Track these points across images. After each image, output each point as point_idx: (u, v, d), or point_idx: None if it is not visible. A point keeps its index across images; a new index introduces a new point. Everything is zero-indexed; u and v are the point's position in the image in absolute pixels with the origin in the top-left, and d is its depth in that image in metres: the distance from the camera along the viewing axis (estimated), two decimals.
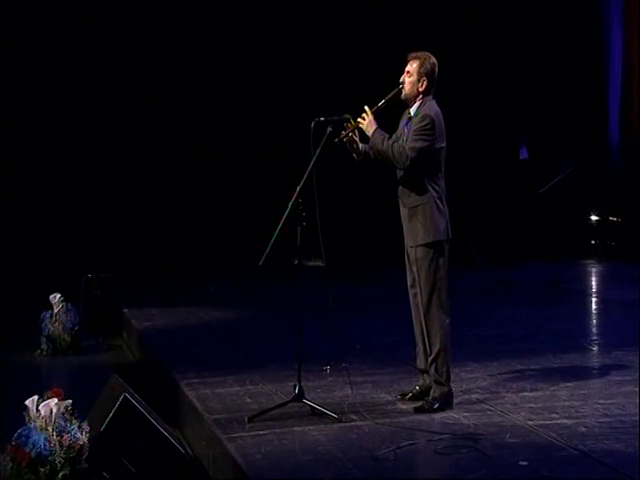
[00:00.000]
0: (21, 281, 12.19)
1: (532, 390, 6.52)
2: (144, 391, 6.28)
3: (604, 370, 7.11)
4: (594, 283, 12.62)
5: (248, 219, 13.99)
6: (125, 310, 10.49)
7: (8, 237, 13.20)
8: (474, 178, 13.85)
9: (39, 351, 9.54)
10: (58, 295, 9.62)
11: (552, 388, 6.57)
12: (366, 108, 5.96)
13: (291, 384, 6.71)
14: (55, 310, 9.55)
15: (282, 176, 8.84)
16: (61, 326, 9.54)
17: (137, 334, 9.45)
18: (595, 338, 8.59)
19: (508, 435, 5.48)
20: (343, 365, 7.17)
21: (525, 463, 5.01)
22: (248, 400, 6.41)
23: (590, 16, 15.39)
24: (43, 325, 9.57)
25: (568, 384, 6.68)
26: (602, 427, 5.64)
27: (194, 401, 6.44)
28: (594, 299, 11.11)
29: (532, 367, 7.24)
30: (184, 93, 14.72)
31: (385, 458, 5.13)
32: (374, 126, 5.90)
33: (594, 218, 14.17)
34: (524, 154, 13.41)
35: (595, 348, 8.04)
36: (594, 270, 13.55)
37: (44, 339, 9.54)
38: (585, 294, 11.28)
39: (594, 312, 10.48)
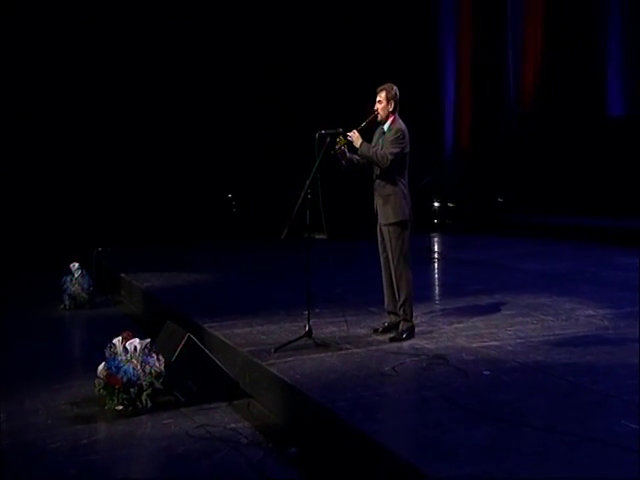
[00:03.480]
0: (45, 253, 11.62)
1: (458, 323, 6.55)
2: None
3: (496, 307, 7.17)
4: (445, 249, 12.76)
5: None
6: (122, 275, 10.06)
7: (35, 220, 12.63)
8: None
9: (62, 306, 9.13)
10: (77, 264, 9.21)
11: (471, 321, 6.62)
12: (351, 133, 5.88)
13: (285, 324, 6.65)
14: (75, 275, 9.12)
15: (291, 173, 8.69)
16: (80, 287, 9.14)
17: (141, 292, 9.06)
18: (473, 286, 8.40)
19: (463, 354, 5.51)
20: (316, 311, 7.11)
21: (488, 372, 5.07)
22: (263, 337, 6.22)
23: (426, 47, 15.62)
24: (65, 286, 9.16)
25: (479, 318, 6.73)
26: (522, 346, 5.72)
27: (223, 338, 6.22)
28: (451, 260, 11.08)
29: (447, 307, 7.28)
30: (208, 96, 14.40)
31: (389, 374, 5.10)
32: (360, 139, 5.84)
33: (436, 204, 14.47)
34: None
35: (480, 292, 7.93)
36: (439, 240, 13.77)
37: (67, 297, 9.13)
38: (444, 257, 11.25)
39: (457, 268, 10.36)
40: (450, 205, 14.34)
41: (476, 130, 15.51)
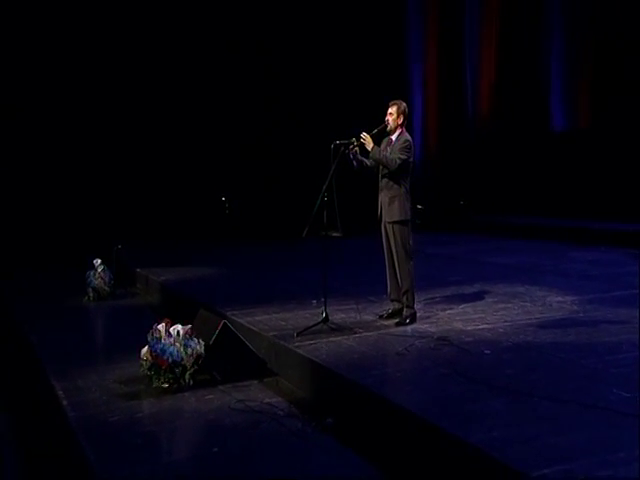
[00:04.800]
0: (69, 251, 11.50)
1: (450, 309, 6.61)
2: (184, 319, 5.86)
3: (479, 295, 7.25)
4: (419, 245, 12.52)
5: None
6: (138, 269, 9.98)
7: (61, 221, 12.47)
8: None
9: (87, 298, 9.05)
10: (99, 260, 9.13)
11: (460, 307, 6.69)
12: (365, 134, 5.95)
13: (299, 312, 6.66)
14: (99, 270, 9.04)
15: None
16: (102, 281, 9.09)
17: (159, 285, 9.01)
18: (453, 277, 8.40)
19: (463, 336, 5.58)
20: (321, 300, 7.10)
21: (488, 352, 5.15)
22: (282, 323, 6.24)
23: (395, 63, 15.69)
24: (89, 280, 9.09)
25: (467, 304, 6.80)
26: (511, 328, 5.80)
27: (247, 324, 6.23)
28: (427, 255, 10.64)
29: (436, 295, 7.30)
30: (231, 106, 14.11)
31: (403, 354, 5.16)
32: (372, 143, 5.92)
33: None
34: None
35: (462, 283, 7.96)
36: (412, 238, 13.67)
37: (90, 289, 9.06)
38: (419, 252, 11.15)
39: (434, 262, 10.10)
40: (419, 207, 14.47)
41: (441, 141, 15.76)
